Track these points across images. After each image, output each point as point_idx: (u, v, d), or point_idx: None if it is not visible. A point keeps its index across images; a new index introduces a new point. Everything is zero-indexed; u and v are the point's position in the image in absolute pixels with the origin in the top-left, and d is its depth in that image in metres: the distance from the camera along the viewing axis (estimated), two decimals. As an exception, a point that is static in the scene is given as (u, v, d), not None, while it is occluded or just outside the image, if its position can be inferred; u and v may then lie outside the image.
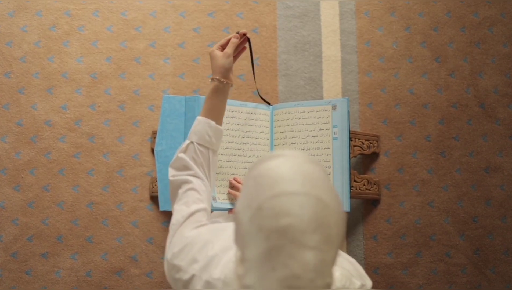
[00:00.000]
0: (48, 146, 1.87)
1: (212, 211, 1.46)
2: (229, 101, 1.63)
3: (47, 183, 1.85)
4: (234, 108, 1.60)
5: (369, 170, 1.88)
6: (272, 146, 1.64)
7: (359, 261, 1.84)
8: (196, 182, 1.21)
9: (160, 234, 1.84)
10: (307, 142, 1.61)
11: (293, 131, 1.62)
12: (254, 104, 1.65)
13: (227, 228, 1.07)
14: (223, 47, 1.33)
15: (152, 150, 1.82)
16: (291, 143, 1.61)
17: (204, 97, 1.60)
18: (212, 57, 1.32)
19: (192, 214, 1.14)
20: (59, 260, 1.83)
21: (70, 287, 1.82)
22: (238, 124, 1.60)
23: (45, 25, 1.92)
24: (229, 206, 1.54)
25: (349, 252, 1.84)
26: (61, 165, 1.86)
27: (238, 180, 1.55)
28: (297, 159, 0.83)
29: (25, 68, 1.90)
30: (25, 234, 1.83)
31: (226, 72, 1.30)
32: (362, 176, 1.82)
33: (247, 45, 1.40)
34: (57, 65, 1.90)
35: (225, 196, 1.55)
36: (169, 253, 1.10)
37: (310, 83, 1.92)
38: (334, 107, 1.60)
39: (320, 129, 1.60)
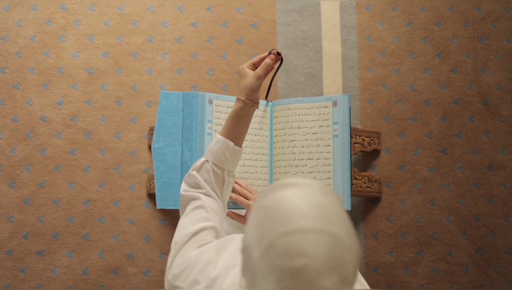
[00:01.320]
0: (44, 142, 1.84)
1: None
2: (227, 97, 1.61)
3: (43, 179, 1.83)
4: (232, 104, 1.58)
5: (370, 167, 1.86)
6: (271, 143, 1.61)
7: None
8: (205, 200, 1.17)
9: (157, 232, 1.82)
10: (307, 139, 1.58)
11: (292, 128, 1.59)
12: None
13: (231, 243, 1.03)
14: (255, 66, 1.27)
15: (150, 147, 1.80)
16: (291, 140, 1.58)
17: (202, 93, 1.58)
18: (241, 75, 1.26)
19: (196, 233, 1.10)
20: (55, 258, 1.80)
21: (66, 285, 1.80)
22: (236, 121, 1.57)
23: (40, 19, 1.89)
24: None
25: (349, 251, 1.82)
26: (57, 161, 1.83)
27: (237, 181, 1.52)
28: (311, 190, 0.78)
29: (20, 63, 1.87)
30: (21, 232, 1.81)
31: (252, 93, 1.24)
32: (362, 173, 1.79)
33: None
34: (53, 60, 1.88)
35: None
36: (170, 273, 1.05)
37: (310, 79, 1.89)
38: (334, 104, 1.57)
39: (320, 126, 1.58)
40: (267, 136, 1.62)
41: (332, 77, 1.89)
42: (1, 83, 1.86)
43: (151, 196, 1.82)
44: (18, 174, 1.83)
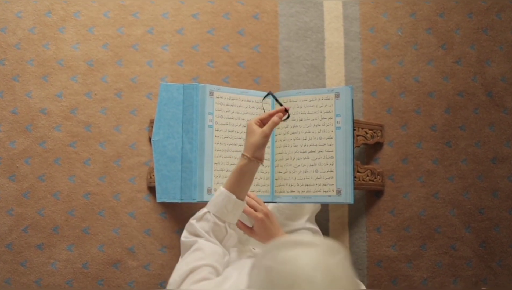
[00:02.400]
0: (44, 135, 1.82)
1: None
2: (229, 89, 1.59)
3: (43, 172, 1.81)
4: (234, 96, 1.56)
5: (373, 160, 1.84)
6: (272, 136, 1.59)
7: (362, 254, 1.80)
8: (202, 243, 1.18)
9: (158, 225, 1.81)
10: (309, 132, 1.56)
11: (294, 120, 1.57)
12: (255, 92, 1.60)
13: (228, 279, 1.01)
14: (262, 122, 1.28)
15: (150, 140, 1.78)
16: (293, 133, 1.56)
17: (202, 84, 1.56)
18: (249, 131, 1.27)
19: (190, 272, 1.09)
20: (54, 251, 1.79)
21: (66, 279, 1.78)
22: (238, 113, 1.56)
23: (40, 10, 1.87)
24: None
25: (352, 245, 1.80)
26: (56, 154, 1.82)
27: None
28: (316, 250, 0.74)
29: (19, 55, 1.85)
30: (20, 225, 1.79)
31: (258, 150, 1.24)
32: (365, 166, 1.77)
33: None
34: (53, 52, 1.86)
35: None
36: None
37: (312, 71, 1.87)
38: (337, 96, 1.55)
39: (323, 118, 1.55)
40: (268, 128, 1.60)
41: (335, 68, 1.87)
42: (0, 75, 1.84)
43: (152, 189, 1.80)
44: (17, 167, 1.81)
